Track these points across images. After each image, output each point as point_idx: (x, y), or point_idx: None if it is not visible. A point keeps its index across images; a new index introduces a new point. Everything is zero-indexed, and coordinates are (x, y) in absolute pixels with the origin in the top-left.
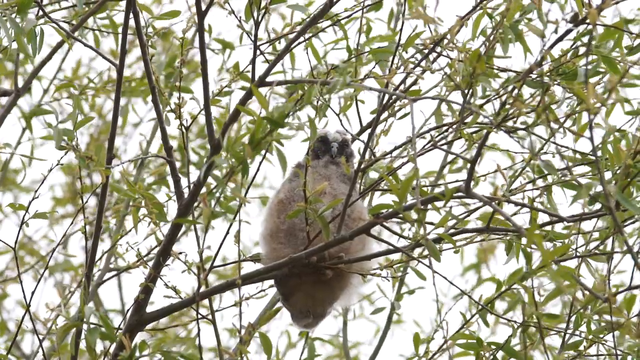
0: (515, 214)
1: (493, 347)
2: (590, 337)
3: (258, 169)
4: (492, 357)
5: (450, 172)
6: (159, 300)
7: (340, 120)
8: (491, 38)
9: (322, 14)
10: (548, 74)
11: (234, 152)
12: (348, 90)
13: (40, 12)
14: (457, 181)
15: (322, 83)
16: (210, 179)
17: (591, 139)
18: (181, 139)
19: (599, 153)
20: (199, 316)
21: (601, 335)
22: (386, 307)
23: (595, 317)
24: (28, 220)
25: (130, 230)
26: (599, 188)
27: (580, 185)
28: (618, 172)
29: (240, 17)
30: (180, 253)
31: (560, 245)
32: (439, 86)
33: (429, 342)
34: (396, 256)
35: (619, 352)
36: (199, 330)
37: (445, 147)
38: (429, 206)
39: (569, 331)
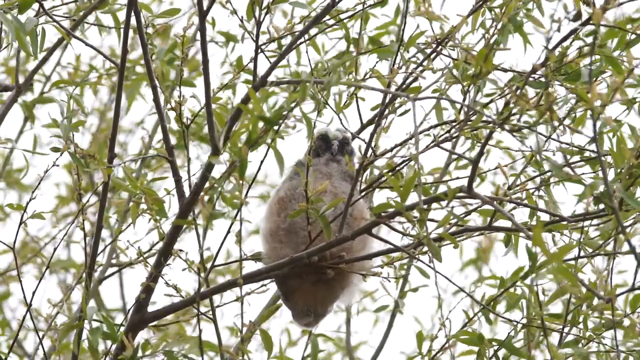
0: (513, 208)
1: (495, 344)
2: (589, 334)
3: (260, 167)
4: (494, 354)
5: (457, 169)
6: (160, 299)
7: (340, 119)
8: (491, 31)
9: (325, 14)
10: (550, 74)
11: (233, 151)
12: (344, 87)
13: (41, 10)
14: (458, 178)
15: (315, 82)
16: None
17: (595, 139)
18: (182, 136)
19: (599, 146)
20: (200, 314)
21: (599, 333)
22: (389, 305)
23: (594, 315)
24: (27, 220)
25: (129, 226)
26: (603, 187)
27: (582, 182)
28: (622, 171)
29: (242, 17)
30: (181, 251)
31: (564, 246)
32: (439, 81)
33: (432, 340)
34: (397, 254)
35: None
36: (200, 330)
37: (447, 145)
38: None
39: (568, 329)
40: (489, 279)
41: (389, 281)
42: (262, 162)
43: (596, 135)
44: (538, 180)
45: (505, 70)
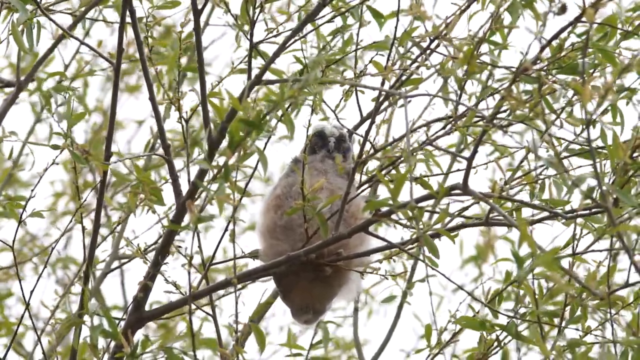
0: (514, 209)
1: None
2: (587, 324)
3: (256, 167)
4: (496, 338)
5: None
6: (159, 295)
7: (337, 116)
8: (499, 10)
9: (317, 12)
10: (545, 69)
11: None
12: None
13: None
14: (458, 170)
15: (294, 81)
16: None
17: (588, 140)
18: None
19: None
20: (195, 313)
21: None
22: (397, 297)
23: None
24: (23, 219)
25: (129, 216)
26: (594, 182)
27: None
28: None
29: (235, 16)
30: (179, 247)
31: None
32: (432, 78)
33: (441, 333)
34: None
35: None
36: (192, 329)
37: (441, 141)
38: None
39: (566, 322)
40: (491, 264)
41: (387, 278)
42: (256, 166)
43: (589, 131)
44: (534, 175)
45: (494, 66)
